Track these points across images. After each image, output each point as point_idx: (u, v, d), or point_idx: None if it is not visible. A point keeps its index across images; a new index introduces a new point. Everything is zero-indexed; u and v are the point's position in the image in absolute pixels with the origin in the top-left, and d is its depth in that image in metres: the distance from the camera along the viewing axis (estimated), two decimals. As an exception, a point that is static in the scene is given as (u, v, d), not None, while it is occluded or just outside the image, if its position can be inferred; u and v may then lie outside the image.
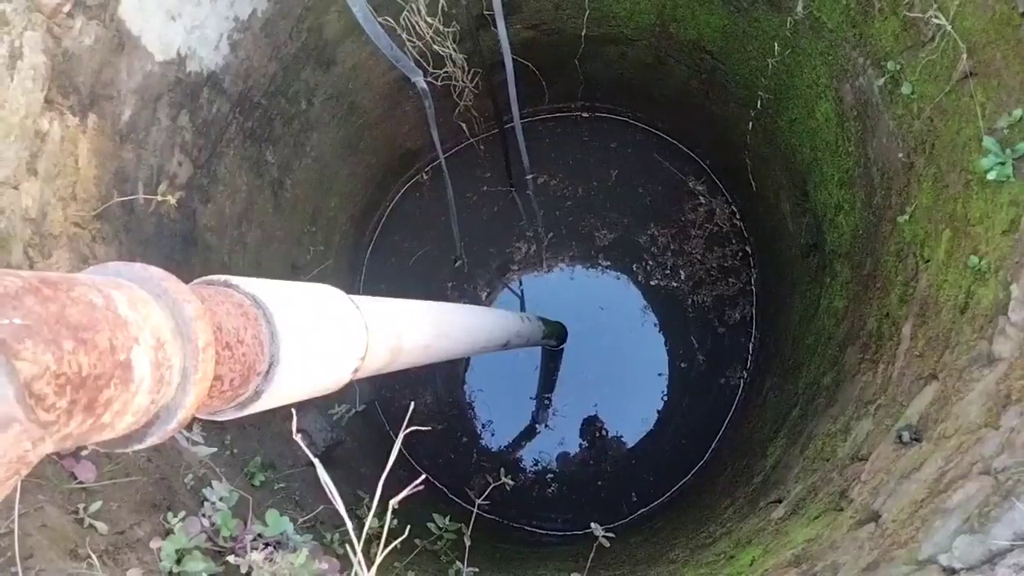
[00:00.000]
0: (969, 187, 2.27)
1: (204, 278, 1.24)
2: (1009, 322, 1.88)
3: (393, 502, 1.41)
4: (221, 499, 2.29)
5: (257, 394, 1.21)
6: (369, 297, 1.72)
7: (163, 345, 0.92)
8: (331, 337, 1.42)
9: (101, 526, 1.90)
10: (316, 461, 1.34)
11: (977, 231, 2.18)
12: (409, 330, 1.94)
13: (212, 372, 1.02)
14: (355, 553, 1.31)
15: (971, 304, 2.11)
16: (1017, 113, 2.05)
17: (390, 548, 1.44)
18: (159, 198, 2.64)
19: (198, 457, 2.50)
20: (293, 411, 1.46)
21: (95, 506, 1.90)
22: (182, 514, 2.21)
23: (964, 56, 2.29)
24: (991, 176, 2.08)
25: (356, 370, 1.56)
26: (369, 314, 1.61)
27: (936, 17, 2.40)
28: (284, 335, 1.23)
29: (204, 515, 2.30)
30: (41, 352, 0.72)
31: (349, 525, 1.26)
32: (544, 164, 5.48)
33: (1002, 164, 2.07)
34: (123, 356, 0.84)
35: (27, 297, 0.73)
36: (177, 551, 2.03)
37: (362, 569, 1.31)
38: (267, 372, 1.21)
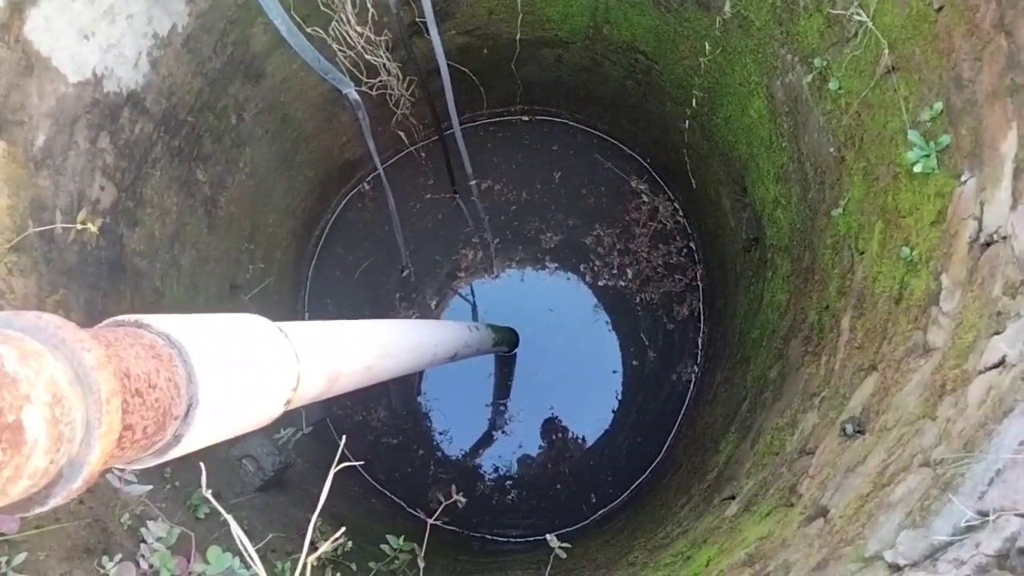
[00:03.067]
0: (898, 179, 2.32)
1: (113, 319, 1.16)
2: (941, 312, 1.92)
3: (311, 559, 1.35)
4: (159, 539, 2.19)
5: (176, 439, 1.14)
6: (298, 323, 1.65)
7: (60, 400, 0.85)
8: (257, 371, 1.35)
9: (27, 579, 1.79)
10: (229, 518, 1.27)
11: (907, 222, 2.23)
12: (346, 353, 1.87)
13: (119, 423, 0.95)
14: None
15: (905, 295, 2.15)
16: (938, 106, 2.10)
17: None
18: (79, 226, 2.52)
19: (134, 495, 2.39)
20: (202, 466, 1.38)
21: (19, 558, 1.79)
22: (118, 557, 2.11)
23: (886, 51, 2.34)
24: (917, 168, 2.13)
25: (288, 401, 1.49)
26: (299, 342, 1.55)
27: (857, 14, 2.45)
28: (202, 374, 1.16)
29: (142, 556, 2.20)
30: None
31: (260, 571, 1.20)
32: (487, 169, 5.45)
33: (927, 156, 2.12)
34: (12, 417, 0.77)
35: None
36: (113, 598, 1.93)
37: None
38: (186, 415, 1.14)
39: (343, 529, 1.52)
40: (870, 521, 1.57)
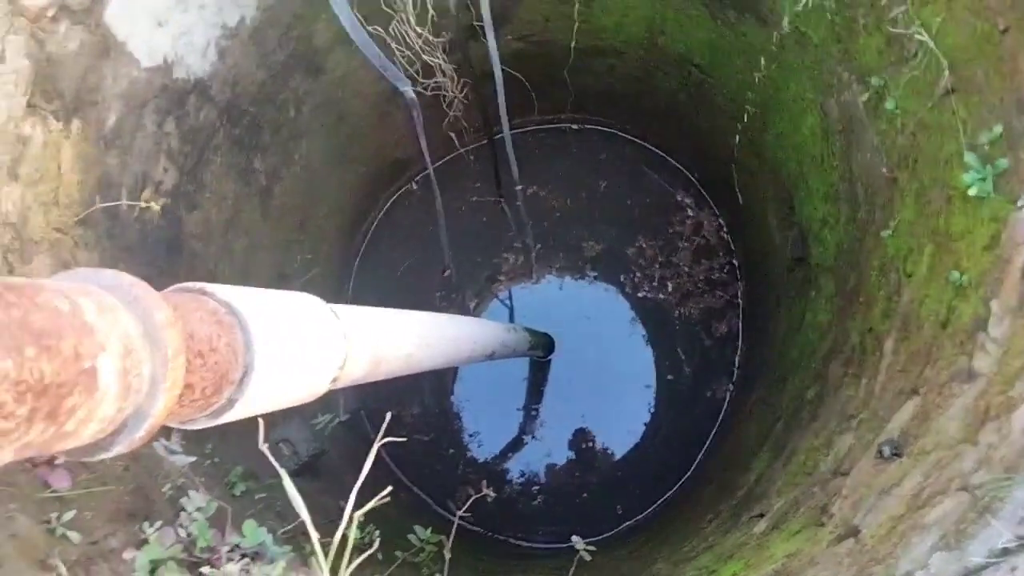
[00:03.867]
0: (951, 203, 2.28)
1: (179, 285, 1.23)
2: (989, 338, 1.89)
3: (358, 514, 1.40)
4: (198, 509, 2.26)
5: (231, 403, 1.20)
6: (349, 306, 1.71)
7: (131, 353, 0.91)
8: (308, 346, 1.41)
9: (74, 536, 1.87)
10: (283, 473, 1.32)
11: (959, 246, 2.20)
12: (390, 339, 1.92)
13: (182, 380, 1.00)
14: (321, 571, 1.29)
15: (952, 319, 2.12)
16: (997, 129, 2.07)
17: (361, 559, 1.42)
18: (143, 204, 2.63)
19: (177, 466, 2.48)
20: (260, 420, 1.45)
21: (68, 515, 1.87)
22: (158, 524, 2.18)
23: (946, 72, 2.31)
24: (972, 192, 2.10)
25: (335, 379, 1.54)
26: (348, 323, 1.60)
27: (919, 33, 2.43)
28: (259, 344, 1.21)
29: (181, 525, 2.28)
30: (1, 358, 0.71)
31: (314, 535, 1.25)
32: (533, 175, 5.48)
33: (983, 180, 2.08)
34: (88, 364, 0.82)
35: None
36: (151, 562, 2.00)
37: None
38: (241, 381, 1.20)
39: (389, 488, 1.56)
40: (902, 542, 1.55)
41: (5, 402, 0.71)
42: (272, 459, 1.33)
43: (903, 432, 2.05)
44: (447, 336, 2.56)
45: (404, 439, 2.20)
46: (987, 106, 2.15)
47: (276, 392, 1.31)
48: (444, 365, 2.61)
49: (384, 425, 1.54)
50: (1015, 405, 1.59)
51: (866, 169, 2.92)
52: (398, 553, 3.16)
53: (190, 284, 1.23)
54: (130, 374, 0.91)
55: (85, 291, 0.89)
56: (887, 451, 2.00)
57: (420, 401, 5.40)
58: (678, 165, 5.50)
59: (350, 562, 2.85)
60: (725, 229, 5.34)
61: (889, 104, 2.68)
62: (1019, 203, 1.95)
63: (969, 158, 2.14)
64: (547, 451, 5.30)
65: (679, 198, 5.45)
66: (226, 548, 2.34)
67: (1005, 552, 1.23)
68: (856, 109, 2.95)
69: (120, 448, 0.96)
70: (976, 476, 1.51)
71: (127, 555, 1.98)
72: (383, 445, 4.94)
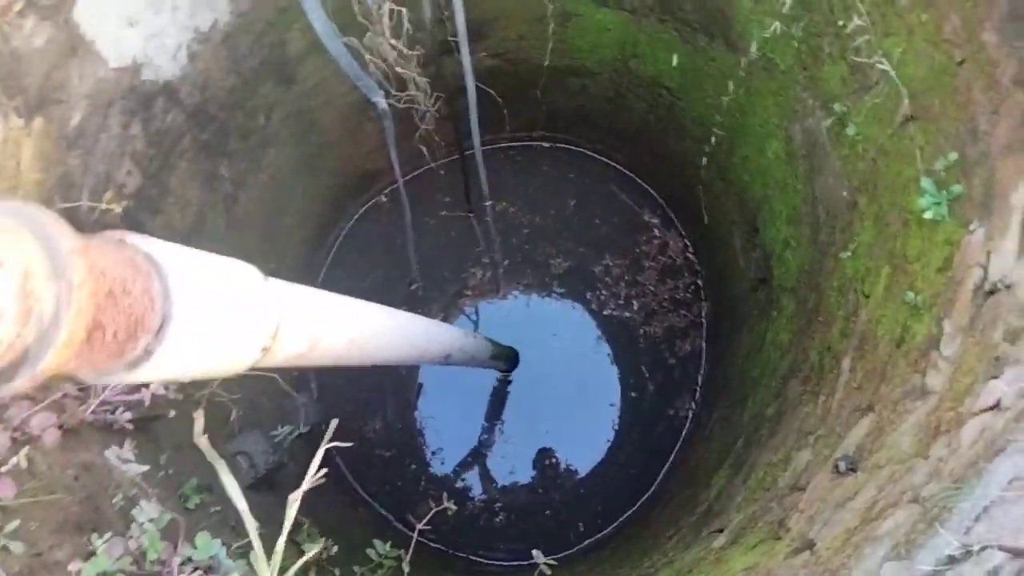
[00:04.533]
0: (908, 226, 2.35)
1: (100, 232, 1.21)
2: (941, 356, 1.94)
3: (292, 497, 1.37)
4: (150, 520, 2.20)
5: (147, 354, 1.16)
6: (285, 281, 1.68)
7: (32, 276, 0.89)
8: (236, 307, 1.38)
9: (16, 547, 1.81)
10: (220, 468, 1.30)
11: (914, 268, 2.26)
12: (333, 320, 1.89)
13: (90, 314, 0.98)
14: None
15: (907, 338, 2.18)
16: (952, 156, 2.14)
17: (301, 561, 1.40)
18: (104, 206, 2.58)
19: (128, 476, 2.41)
20: (200, 414, 1.42)
21: (12, 525, 1.81)
22: (108, 535, 2.12)
23: (905, 101, 2.39)
24: (928, 216, 2.17)
25: (266, 349, 1.51)
26: (283, 292, 1.58)
27: (881, 63, 2.51)
28: (178, 294, 1.19)
29: (131, 537, 2.21)
30: None
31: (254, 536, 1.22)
32: (503, 191, 5.51)
33: (938, 204, 2.16)
34: None
35: None
36: (98, 574, 1.94)
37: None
38: (159, 330, 1.17)
39: (324, 471, 1.53)
40: (856, 553, 1.58)
41: None
42: (208, 448, 1.30)
43: (858, 447, 2.09)
44: (397, 328, 2.53)
45: (351, 444, 2.16)
46: (943, 134, 2.23)
47: (198, 349, 1.28)
48: (396, 359, 2.58)
49: (330, 431, 1.52)
50: (964, 420, 1.64)
51: (828, 193, 3.00)
52: (356, 568, 3.11)
53: (111, 231, 1.21)
54: (30, 298, 0.89)
55: None
56: (843, 466, 2.04)
57: (383, 416, 5.35)
58: (646, 186, 5.58)
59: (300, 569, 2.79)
60: (691, 250, 5.42)
61: (851, 130, 2.77)
62: (971, 227, 2.02)
63: (925, 183, 2.21)
64: (510, 467, 5.28)
65: (646, 218, 5.52)
66: (178, 561, 2.28)
67: (952, 560, 1.25)
68: (819, 135, 3.03)
69: (23, 381, 0.93)
70: (927, 488, 1.54)
71: (73, 567, 1.92)
72: (344, 460, 4.88)
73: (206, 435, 1.42)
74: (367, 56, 3.57)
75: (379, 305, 2.39)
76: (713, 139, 4.11)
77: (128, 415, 2.57)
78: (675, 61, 3.98)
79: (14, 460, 1.90)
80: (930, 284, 2.13)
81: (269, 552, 2.92)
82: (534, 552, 2.66)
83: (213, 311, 1.31)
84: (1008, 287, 1.74)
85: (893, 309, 2.30)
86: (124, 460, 2.42)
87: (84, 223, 2.62)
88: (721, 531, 2.65)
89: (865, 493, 1.80)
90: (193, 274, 1.27)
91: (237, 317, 1.40)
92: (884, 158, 2.57)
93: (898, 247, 2.39)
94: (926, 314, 2.09)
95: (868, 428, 2.09)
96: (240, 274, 1.45)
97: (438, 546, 4.96)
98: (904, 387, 2.01)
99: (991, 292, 1.82)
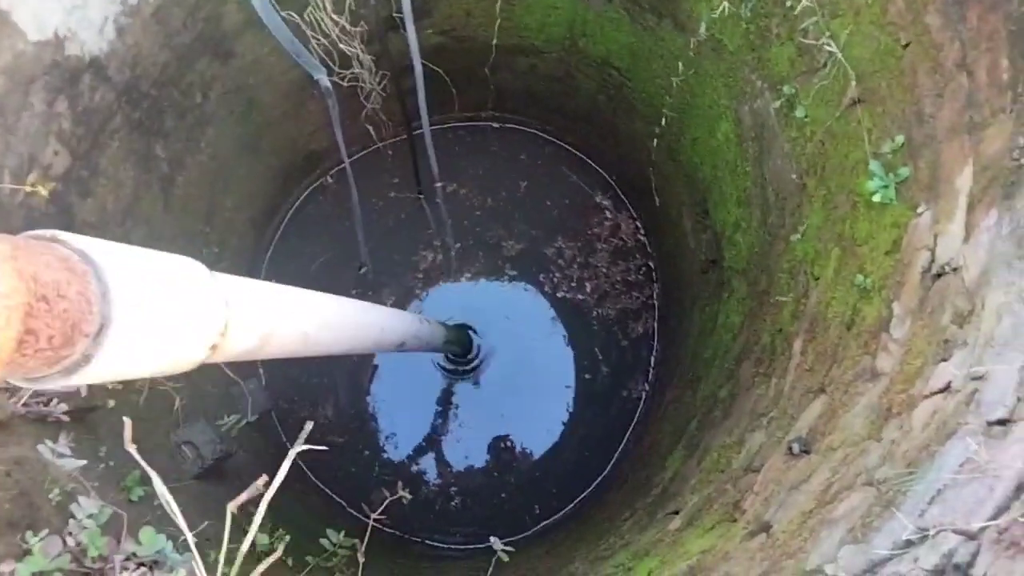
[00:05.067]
0: (856, 208, 2.38)
1: (31, 232, 1.13)
2: (891, 338, 1.97)
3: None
4: (90, 516, 2.10)
5: (86, 359, 1.11)
6: (233, 276, 1.62)
7: None
8: (180, 306, 1.32)
9: (-59, 551, 1.69)
10: (148, 469, 1.23)
11: (863, 251, 2.29)
12: (283, 314, 1.83)
13: (20, 322, 0.94)
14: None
15: (857, 321, 2.20)
16: (899, 139, 2.16)
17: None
18: (28, 188, 2.42)
19: (65, 471, 2.29)
20: (128, 422, 1.34)
21: (-65, 528, 1.70)
22: (44, 533, 2.01)
23: (853, 83, 2.40)
24: (876, 198, 2.19)
25: (214, 347, 1.44)
26: (231, 289, 1.51)
27: (828, 45, 2.52)
28: (118, 296, 1.13)
29: (70, 533, 2.11)
30: None
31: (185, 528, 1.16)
32: (453, 173, 5.43)
33: (886, 187, 2.18)
34: None
35: None
36: (34, 574, 1.84)
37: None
38: (97, 334, 1.11)
39: (263, 478, 1.47)
40: (812, 536, 1.59)
41: None
42: (137, 457, 1.23)
43: (811, 430, 2.11)
44: (350, 319, 2.47)
45: (324, 448, 2.10)
46: (890, 116, 2.24)
47: (141, 352, 1.22)
48: (349, 350, 2.52)
49: (303, 434, 1.45)
50: (915, 402, 1.66)
51: (777, 175, 3.01)
52: (309, 558, 3.05)
53: (41, 231, 1.14)
54: None
55: None
56: (796, 448, 2.06)
57: (334, 402, 5.25)
58: (597, 167, 5.56)
59: (261, 568, 2.72)
60: (642, 232, 5.44)
61: (799, 112, 2.78)
62: (919, 210, 2.05)
63: (873, 166, 2.23)
64: (465, 452, 5.26)
65: (598, 200, 5.51)
66: (120, 557, 2.19)
67: (908, 544, 1.26)
68: (768, 116, 3.04)
69: None
70: (880, 471, 1.56)
71: (6, 567, 1.82)
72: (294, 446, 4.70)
73: (135, 445, 1.34)
74: (308, 32, 3.44)
75: (332, 296, 2.32)
76: (663, 120, 4.10)
77: (64, 406, 2.45)
78: (623, 40, 3.95)
79: (-66, 463, 1.78)
80: (879, 267, 2.15)
81: (215, 547, 2.83)
82: (491, 539, 2.64)
83: (156, 311, 1.25)
84: (955, 270, 1.76)
85: (843, 291, 2.32)
86: (60, 455, 2.30)
87: (7, 207, 2.46)
88: (677, 513, 2.67)
89: (819, 475, 1.81)
90: (133, 273, 1.21)
91: (182, 316, 1.33)
92: (832, 140, 2.58)
93: (847, 230, 2.41)
94: (876, 296, 2.12)
95: (820, 410, 2.11)
96: (184, 271, 1.38)
97: (393, 531, 4.91)
98: (855, 369, 2.03)
99: (939, 275, 1.85)
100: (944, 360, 1.62)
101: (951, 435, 1.39)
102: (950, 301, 1.73)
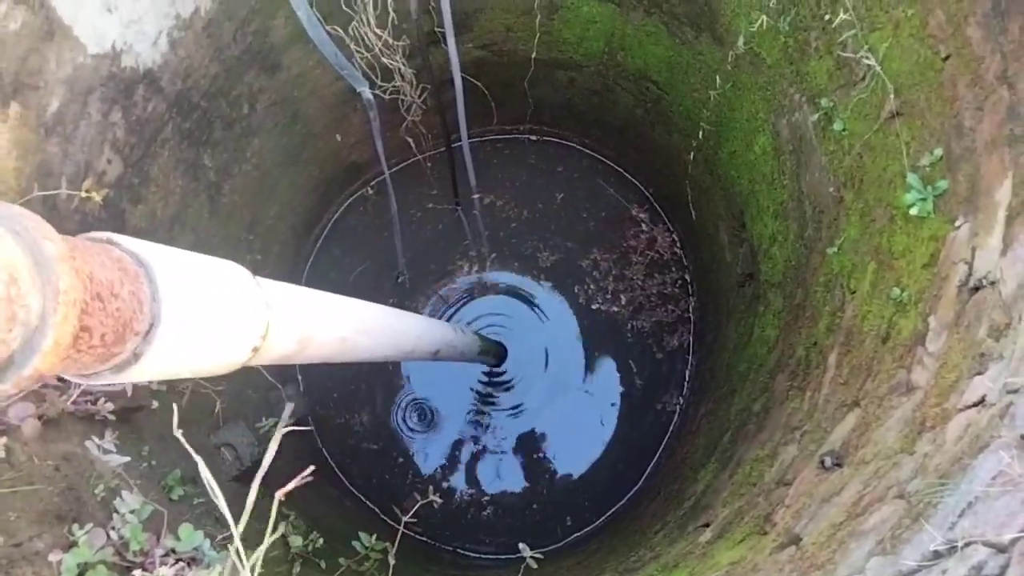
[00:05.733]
0: (893, 222, 2.35)
1: (88, 234, 1.19)
2: (926, 352, 1.94)
3: (279, 494, 1.37)
4: (132, 511, 2.18)
5: (136, 356, 1.16)
6: (276, 281, 1.67)
7: (16, 281, 0.88)
8: (224, 307, 1.37)
9: (-5, 537, 1.78)
10: (198, 458, 1.28)
11: (900, 264, 2.26)
12: (322, 320, 1.88)
13: (76, 319, 0.97)
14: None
15: (892, 334, 2.18)
16: (938, 152, 2.14)
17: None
18: (83, 194, 2.53)
19: (110, 467, 2.38)
20: (174, 407, 1.40)
21: (-11, 516, 1.78)
22: (89, 526, 2.09)
23: (891, 96, 2.39)
24: (913, 211, 2.17)
25: (256, 349, 1.49)
26: (273, 293, 1.56)
27: (867, 58, 2.51)
28: (167, 296, 1.18)
29: (113, 528, 2.19)
30: None
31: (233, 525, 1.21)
32: (490, 184, 5.49)
33: (924, 200, 2.16)
34: None
35: None
36: (79, 565, 1.92)
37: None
38: (147, 333, 1.16)
39: (312, 468, 1.51)
40: (841, 548, 1.58)
41: None
42: (184, 442, 1.28)
43: (844, 443, 2.09)
44: (387, 326, 2.52)
45: (309, 428, 2.15)
46: (928, 130, 2.23)
47: (187, 352, 1.27)
48: (385, 357, 2.57)
49: (286, 412, 1.51)
50: (949, 416, 1.64)
51: (814, 188, 3.00)
52: (342, 560, 3.10)
53: (97, 233, 1.19)
54: (15, 303, 0.88)
55: None
56: (828, 461, 2.04)
57: (371, 409, 5.33)
58: (634, 180, 5.57)
59: (290, 568, 2.77)
60: (678, 244, 5.43)
61: (837, 125, 2.76)
62: (957, 223, 2.03)
63: (911, 179, 2.21)
64: (497, 462, 5.28)
65: (634, 212, 5.52)
66: (160, 552, 2.26)
67: (937, 556, 1.25)
68: (806, 130, 3.03)
69: (6, 386, 0.92)
70: (912, 484, 1.54)
71: (53, 558, 1.89)
72: (330, 452, 4.84)
73: (180, 430, 1.40)
74: (352, 46, 3.53)
75: (369, 303, 2.38)
76: (700, 133, 4.10)
77: (110, 405, 2.54)
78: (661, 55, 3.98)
79: (-9, 452, 1.87)
80: (915, 280, 2.13)
81: (253, 549, 2.89)
82: (520, 546, 2.65)
83: (202, 313, 1.30)
84: (992, 283, 1.74)
85: (879, 305, 2.30)
86: (105, 451, 2.39)
87: (64, 212, 2.58)
88: (707, 526, 2.65)
89: (851, 488, 1.80)
90: (182, 276, 1.26)
91: (226, 318, 1.39)
92: (870, 153, 2.57)
93: (884, 243, 2.39)
94: (912, 310, 2.10)
95: (854, 423, 2.09)
96: (229, 275, 1.44)
97: (424, 539, 4.95)
98: (890, 383, 2.01)
99: (976, 288, 1.82)
100: (979, 374, 1.60)
101: (984, 448, 1.37)
102: (987, 314, 1.71)
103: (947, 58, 2.14)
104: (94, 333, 1.05)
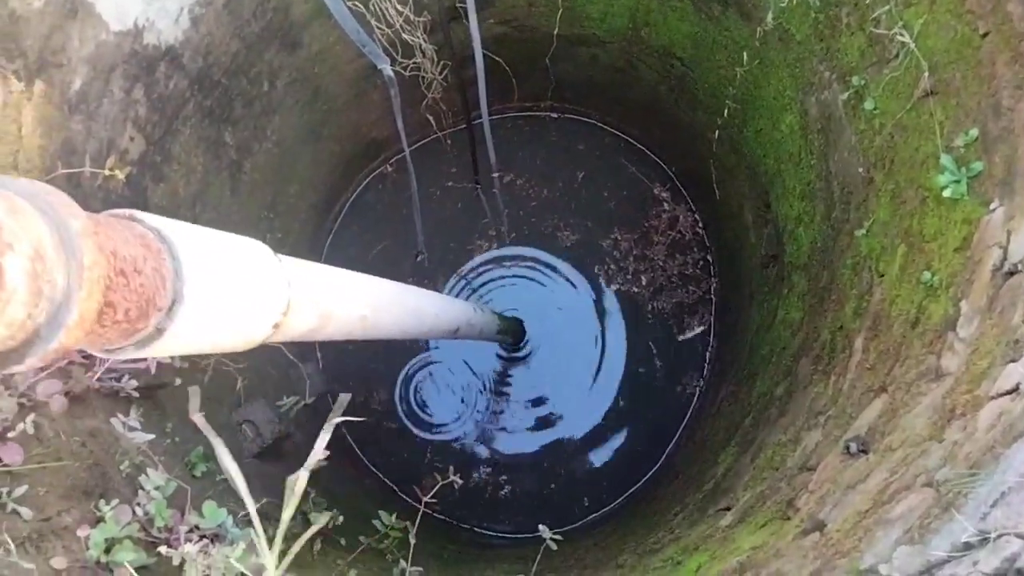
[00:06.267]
0: (925, 204, 2.30)
1: (111, 211, 1.20)
2: (957, 338, 1.90)
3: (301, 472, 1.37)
4: (157, 488, 2.21)
5: (159, 332, 1.17)
6: (296, 259, 1.68)
7: (43, 257, 0.88)
8: (246, 284, 1.37)
9: (25, 512, 1.81)
10: (216, 442, 1.29)
11: (931, 247, 2.21)
12: (342, 297, 1.89)
13: (101, 294, 0.98)
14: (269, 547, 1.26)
15: (922, 319, 2.13)
16: (973, 133, 2.08)
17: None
18: (107, 172, 2.54)
19: (135, 444, 2.41)
20: (196, 391, 1.40)
21: (20, 490, 1.81)
22: (115, 502, 2.12)
23: (926, 75, 2.32)
24: (946, 194, 2.11)
25: (276, 326, 1.50)
26: (294, 270, 1.57)
27: (901, 35, 2.43)
28: (190, 273, 1.18)
29: (138, 504, 2.22)
30: None
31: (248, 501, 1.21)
32: (511, 162, 5.45)
33: (957, 182, 2.10)
34: None
35: None
36: (106, 540, 1.95)
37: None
38: (170, 309, 1.16)
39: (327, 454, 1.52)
40: (867, 536, 1.56)
41: None
42: (203, 425, 1.29)
43: (870, 429, 2.06)
44: (406, 304, 2.52)
45: (363, 419, 2.16)
46: (964, 109, 2.16)
47: (209, 327, 1.28)
48: (404, 334, 2.57)
49: (339, 405, 1.51)
50: (981, 404, 1.60)
51: (843, 168, 2.94)
52: (362, 538, 3.13)
53: (119, 211, 1.20)
54: (41, 278, 0.88)
55: None
56: (854, 447, 2.02)
57: (388, 388, 5.35)
58: (657, 159, 5.50)
59: (317, 547, 2.80)
60: (701, 224, 5.36)
61: (868, 104, 2.69)
62: (992, 206, 1.97)
63: (945, 160, 2.15)
64: (515, 441, 5.29)
65: (656, 192, 5.45)
66: (185, 528, 2.29)
67: (967, 546, 1.23)
68: (835, 108, 2.96)
69: (33, 360, 0.93)
70: (941, 473, 1.51)
71: (81, 532, 1.92)
72: (349, 430, 4.87)
73: (202, 413, 1.41)
74: (372, 22, 3.50)
75: (389, 281, 2.37)
76: (726, 111, 4.03)
77: (134, 383, 2.56)
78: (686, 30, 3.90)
79: (21, 426, 1.90)
80: (947, 264, 2.08)
81: (273, 525, 2.93)
82: (540, 527, 2.66)
83: (224, 289, 1.31)
84: (1029, 268, 1.70)
85: (908, 289, 2.26)
86: (131, 428, 2.42)
87: (88, 190, 2.59)
88: (728, 509, 2.64)
89: (877, 475, 1.77)
90: (204, 252, 1.27)
91: (248, 295, 1.39)
92: (902, 133, 2.50)
93: (915, 225, 2.34)
94: (943, 294, 2.05)
95: (881, 409, 2.06)
96: (251, 251, 1.44)
97: (443, 517, 4.99)
98: (919, 368, 1.98)
99: (1011, 273, 1.78)
100: (1013, 361, 1.56)
101: (1018, 438, 1.34)
102: (1022, 300, 1.67)
103: (986, 35, 2.07)
104: (118, 308, 1.06)
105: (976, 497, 1.31)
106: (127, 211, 1.21)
